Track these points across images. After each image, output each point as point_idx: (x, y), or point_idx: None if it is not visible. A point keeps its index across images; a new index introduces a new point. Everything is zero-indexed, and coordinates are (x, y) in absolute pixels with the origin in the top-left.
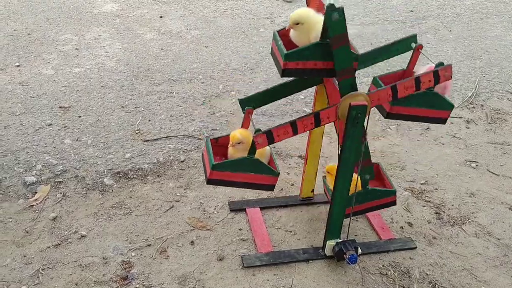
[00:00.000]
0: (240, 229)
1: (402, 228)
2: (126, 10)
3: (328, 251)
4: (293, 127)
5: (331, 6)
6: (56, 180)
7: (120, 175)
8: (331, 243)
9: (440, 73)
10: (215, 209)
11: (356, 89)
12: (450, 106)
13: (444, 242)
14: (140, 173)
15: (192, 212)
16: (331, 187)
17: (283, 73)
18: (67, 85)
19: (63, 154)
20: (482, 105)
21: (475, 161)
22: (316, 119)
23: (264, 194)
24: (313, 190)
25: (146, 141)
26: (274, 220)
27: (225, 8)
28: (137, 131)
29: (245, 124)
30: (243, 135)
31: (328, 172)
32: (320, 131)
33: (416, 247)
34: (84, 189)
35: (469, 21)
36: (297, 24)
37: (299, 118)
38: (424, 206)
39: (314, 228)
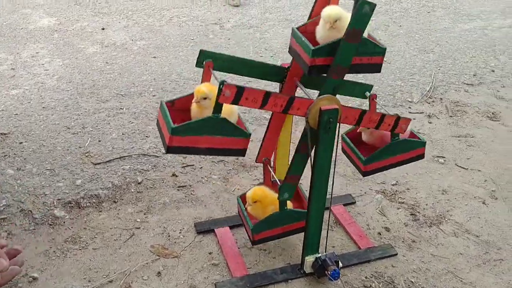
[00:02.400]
0: (210, 253)
1: (380, 234)
2: (65, 24)
3: (307, 268)
4: (265, 98)
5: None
6: None
7: (72, 205)
8: (310, 259)
9: (400, 122)
10: (180, 232)
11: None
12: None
13: (424, 245)
14: (94, 201)
15: (156, 239)
16: (258, 215)
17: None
18: (4, 109)
19: (5, 187)
20: (441, 99)
21: (443, 156)
22: (288, 104)
23: (232, 211)
24: None
25: (98, 164)
26: (245, 238)
27: (170, 16)
28: (86, 154)
29: (205, 79)
30: (209, 89)
31: (255, 202)
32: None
33: (396, 254)
34: (32, 224)
35: (417, 15)
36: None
37: (275, 93)
38: (398, 208)
39: (289, 243)
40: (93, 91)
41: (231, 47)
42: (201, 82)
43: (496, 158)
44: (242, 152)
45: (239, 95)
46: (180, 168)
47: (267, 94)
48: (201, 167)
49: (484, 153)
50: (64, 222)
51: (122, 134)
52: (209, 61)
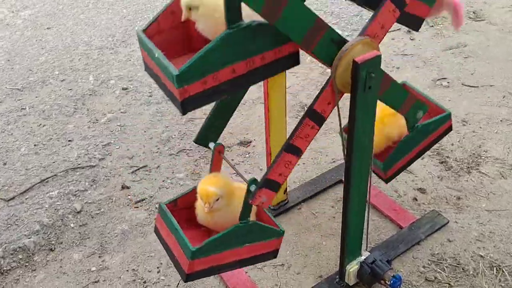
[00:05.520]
0: None
1: (416, 200)
2: None
3: (351, 280)
4: (294, 150)
5: None
6: None
7: None
8: (353, 267)
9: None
10: (158, 272)
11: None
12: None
13: (472, 200)
14: (20, 257)
15: None
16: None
17: None
18: None
19: None
20: None
21: (444, 78)
22: (315, 118)
23: None
24: (286, 190)
25: (11, 199)
26: None
27: None
28: None
29: (215, 167)
30: (219, 185)
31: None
32: (281, 113)
33: (448, 222)
34: None
35: None
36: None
37: (292, 134)
38: (423, 158)
39: (310, 246)
40: None
41: None
42: (210, 170)
43: (502, 66)
44: (274, 254)
45: (275, 186)
46: (130, 175)
47: (289, 146)
48: (158, 166)
49: (487, 63)
50: None
51: (34, 145)
52: (220, 145)
